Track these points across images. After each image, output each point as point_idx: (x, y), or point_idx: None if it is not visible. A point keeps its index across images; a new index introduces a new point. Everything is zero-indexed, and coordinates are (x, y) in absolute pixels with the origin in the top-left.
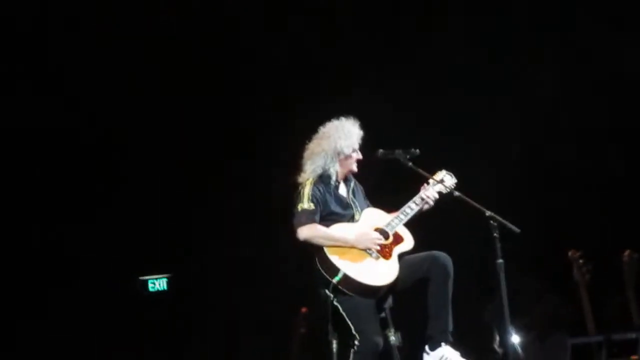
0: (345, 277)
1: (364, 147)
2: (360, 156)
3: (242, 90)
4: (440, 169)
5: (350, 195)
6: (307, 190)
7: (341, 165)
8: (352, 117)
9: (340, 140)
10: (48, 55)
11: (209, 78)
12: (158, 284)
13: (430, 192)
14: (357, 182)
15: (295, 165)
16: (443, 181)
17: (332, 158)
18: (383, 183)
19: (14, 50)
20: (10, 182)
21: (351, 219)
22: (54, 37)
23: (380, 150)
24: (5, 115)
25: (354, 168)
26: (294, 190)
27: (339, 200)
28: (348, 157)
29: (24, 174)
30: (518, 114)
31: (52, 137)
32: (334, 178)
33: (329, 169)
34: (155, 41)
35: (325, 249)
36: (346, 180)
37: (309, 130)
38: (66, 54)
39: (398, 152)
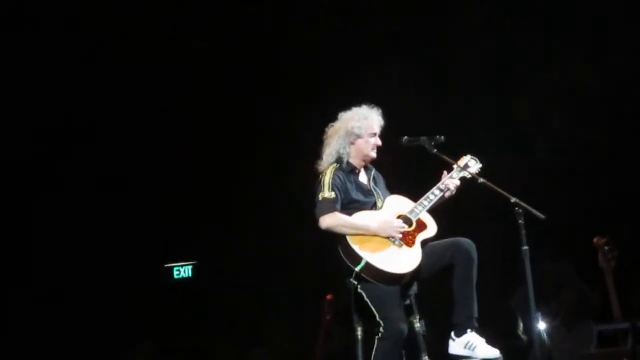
0: (368, 266)
1: (391, 135)
2: (379, 142)
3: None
4: (465, 154)
5: (372, 184)
6: (327, 179)
7: (355, 148)
8: (372, 105)
9: (352, 122)
10: None
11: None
12: (183, 271)
13: (452, 181)
14: (378, 173)
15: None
16: (467, 167)
17: (345, 139)
18: (408, 170)
19: None
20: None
21: (374, 206)
22: None
23: (405, 138)
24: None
25: (372, 154)
26: (315, 179)
27: (360, 188)
28: (361, 138)
29: (46, 161)
30: (545, 99)
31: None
32: (346, 160)
33: (343, 152)
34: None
35: (348, 238)
36: (367, 169)
37: (333, 120)
38: None
39: (423, 139)
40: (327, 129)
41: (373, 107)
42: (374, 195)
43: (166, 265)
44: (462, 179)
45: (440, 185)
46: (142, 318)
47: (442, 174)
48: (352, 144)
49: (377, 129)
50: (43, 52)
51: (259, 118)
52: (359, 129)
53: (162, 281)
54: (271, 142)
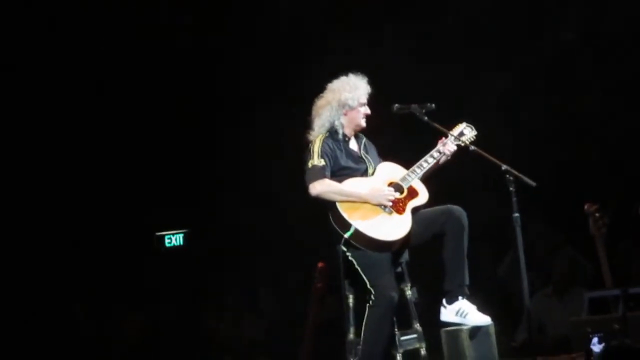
0: (357, 232)
1: (381, 102)
2: (368, 111)
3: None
4: (460, 122)
5: (362, 151)
6: (316, 147)
7: (348, 118)
8: (359, 74)
9: (345, 92)
10: None
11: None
12: (175, 239)
13: (448, 147)
14: (369, 141)
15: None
16: (462, 134)
17: (337, 110)
18: (402, 138)
19: None
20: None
21: (364, 173)
22: None
23: (396, 105)
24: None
25: (362, 123)
26: (305, 148)
27: (350, 154)
28: (353, 109)
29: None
30: (535, 66)
31: (61, 94)
32: (341, 131)
33: (334, 122)
34: None
35: (338, 205)
36: (357, 137)
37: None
38: None
39: (414, 107)
40: (315, 100)
41: (360, 76)
42: (364, 161)
43: (157, 234)
44: (457, 146)
45: (433, 152)
46: (134, 287)
47: (435, 141)
48: (345, 114)
49: (366, 98)
50: None
51: (245, 84)
52: (352, 100)
53: (153, 249)
54: (263, 110)
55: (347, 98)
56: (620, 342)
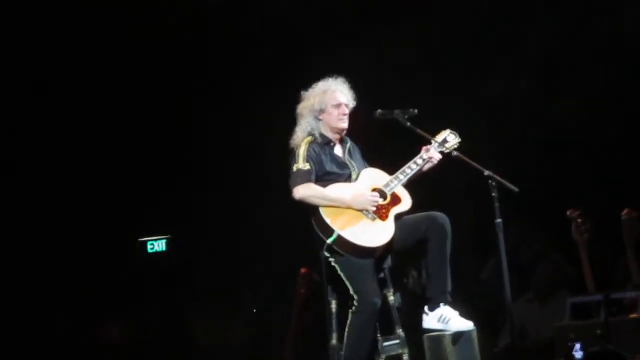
0: (340, 238)
1: (364, 109)
2: (344, 111)
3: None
4: (445, 129)
5: (347, 156)
6: (302, 151)
7: (324, 122)
8: (336, 76)
9: (312, 99)
10: None
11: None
12: (157, 245)
13: (432, 153)
14: (354, 144)
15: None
16: (446, 141)
17: (310, 116)
18: (386, 144)
19: None
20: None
21: (348, 178)
22: None
23: (379, 111)
24: None
25: (340, 125)
26: (290, 154)
27: (335, 160)
28: (324, 112)
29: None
30: (518, 73)
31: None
32: (324, 136)
33: (314, 127)
34: None
35: (321, 210)
36: (342, 142)
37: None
38: None
39: (397, 112)
40: (297, 108)
41: (336, 78)
42: (348, 167)
43: (140, 240)
44: (441, 153)
45: (417, 159)
46: (116, 293)
47: (419, 147)
48: (319, 119)
49: (342, 99)
50: None
51: (228, 94)
52: (319, 104)
53: (136, 255)
54: (247, 118)
55: (314, 104)
56: (601, 348)
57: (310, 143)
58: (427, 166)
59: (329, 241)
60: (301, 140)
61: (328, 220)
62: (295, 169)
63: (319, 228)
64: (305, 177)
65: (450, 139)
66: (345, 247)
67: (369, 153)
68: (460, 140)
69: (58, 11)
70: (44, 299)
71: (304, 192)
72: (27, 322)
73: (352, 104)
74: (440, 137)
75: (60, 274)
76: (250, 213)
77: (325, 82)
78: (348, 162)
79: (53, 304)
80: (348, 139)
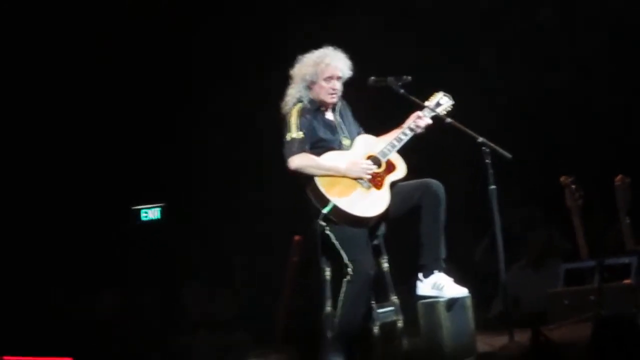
0: (335, 208)
1: (358, 76)
2: (335, 86)
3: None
4: (437, 91)
5: (338, 119)
6: (294, 119)
7: (313, 93)
8: (334, 47)
9: (304, 68)
10: None
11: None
12: (151, 213)
13: (424, 120)
14: (345, 103)
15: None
16: (439, 104)
17: (300, 85)
18: (380, 110)
19: None
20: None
21: (340, 143)
22: None
23: (372, 78)
24: None
25: (327, 99)
26: (281, 120)
27: (327, 125)
28: (315, 84)
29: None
30: (513, 41)
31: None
32: (306, 101)
33: (302, 95)
34: None
35: (316, 179)
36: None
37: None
38: None
39: (390, 79)
40: (291, 69)
41: (332, 49)
42: (340, 131)
43: (133, 207)
44: (435, 117)
45: (410, 124)
46: (109, 261)
47: (410, 112)
48: (309, 88)
49: (335, 72)
50: None
51: (224, 63)
52: (310, 75)
53: (129, 223)
54: (239, 87)
55: (305, 74)
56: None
57: (301, 110)
58: (419, 131)
59: (324, 211)
60: (291, 107)
61: (323, 190)
62: (288, 137)
63: (314, 197)
64: (299, 146)
65: (443, 101)
66: (340, 216)
67: (362, 120)
68: (453, 102)
69: None
70: (34, 270)
71: (300, 161)
72: (16, 294)
73: (347, 74)
74: (432, 100)
75: (51, 244)
76: (244, 180)
77: (318, 53)
78: (339, 126)
79: (43, 275)
80: (338, 101)
